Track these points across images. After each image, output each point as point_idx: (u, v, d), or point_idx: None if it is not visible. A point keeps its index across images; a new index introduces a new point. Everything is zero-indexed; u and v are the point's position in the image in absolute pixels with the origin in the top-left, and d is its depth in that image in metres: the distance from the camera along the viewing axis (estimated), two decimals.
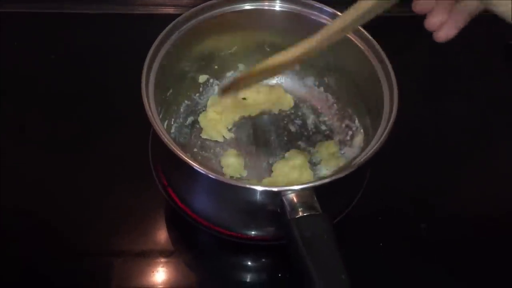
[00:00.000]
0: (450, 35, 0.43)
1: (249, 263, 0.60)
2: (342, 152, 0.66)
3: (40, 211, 0.61)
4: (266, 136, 0.67)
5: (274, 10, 0.63)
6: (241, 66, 0.70)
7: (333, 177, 0.48)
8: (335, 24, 0.46)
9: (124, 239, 0.59)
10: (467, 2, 0.42)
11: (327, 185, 0.48)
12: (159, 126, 0.50)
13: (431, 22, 0.42)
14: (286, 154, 0.64)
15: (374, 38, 0.59)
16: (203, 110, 0.68)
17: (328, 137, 0.67)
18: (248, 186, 0.49)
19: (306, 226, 0.45)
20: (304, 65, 0.70)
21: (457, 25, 0.42)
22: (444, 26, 0.42)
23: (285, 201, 0.47)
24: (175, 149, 0.48)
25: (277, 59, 0.49)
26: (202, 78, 0.69)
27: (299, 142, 0.67)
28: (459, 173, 0.67)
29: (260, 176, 0.63)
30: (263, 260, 0.60)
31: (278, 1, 0.62)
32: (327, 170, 0.64)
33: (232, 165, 0.63)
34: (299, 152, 0.64)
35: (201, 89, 0.69)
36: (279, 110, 0.70)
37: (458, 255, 0.60)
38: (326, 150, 0.65)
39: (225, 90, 0.55)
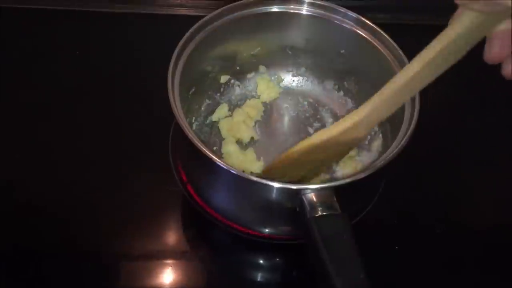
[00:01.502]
0: None
1: (264, 261, 0.60)
2: (360, 156, 0.66)
3: (51, 207, 0.61)
4: (284, 138, 0.68)
5: (298, 13, 0.63)
6: (262, 68, 0.71)
7: (353, 178, 0.49)
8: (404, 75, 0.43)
9: (139, 235, 0.60)
10: None
11: (346, 185, 0.48)
12: (183, 121, 0.51)
13: (510, 71, 0.39)
14: None
15: (396, 44, 0.59)
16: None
17: None
18: (267, 182, 0.49)
19: (326, 225, 0.46)
20: (324, 68, 0.70)
21: None
22: None
23: (304, 199, 0.48)
24: (198, 143, 0.49)
25: (317, 136, 0.49)
26: (224, 78, 0.69)
27: None
28: (476, 178, 0.67)
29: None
30: (278, 259, 0.60)
31: (305, 5, 0.63)
32: (343, 173, 0.64)
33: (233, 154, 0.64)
34: None
35: (222, 89, 0.70)
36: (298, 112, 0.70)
37: (473, 259, 0.60)
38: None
39: (265, 172, 0.57)
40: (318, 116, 0.70)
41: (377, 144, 0.64)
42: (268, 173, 0.58)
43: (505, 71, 0.39)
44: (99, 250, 0.58)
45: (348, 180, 0.49)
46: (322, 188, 0.48)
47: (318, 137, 0.51)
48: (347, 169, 0.64)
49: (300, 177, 0.57)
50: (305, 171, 0.57)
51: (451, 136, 0.71)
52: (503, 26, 0.38)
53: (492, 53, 0.39)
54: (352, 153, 0.65)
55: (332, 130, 0.50)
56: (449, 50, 0.41)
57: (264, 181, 0.48)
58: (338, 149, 0.53)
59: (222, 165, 0.49)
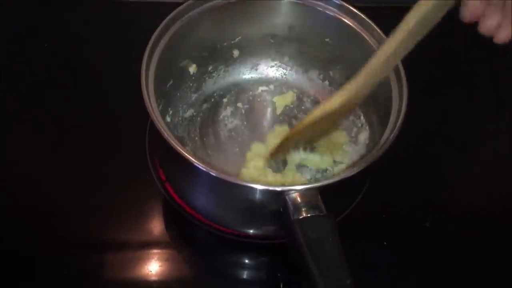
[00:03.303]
0: (510, 35, 0.41)
1: (248, 261, 0.59)
2: (347, 148, 0.64)
3: (33, 203, 0.60)
4: (268, 129, 0.66)
5: (279, 0, 0.61)
6: (236, 52, 0.68)
7: (339, 177, 0.47)
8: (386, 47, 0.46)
9: (118, 234, 0.58)
10: None
11: (332, 185, 0.47)
12: (158, 119, 0.49)
13: (487, 26, 0.41)
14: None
15: (382, 31, 0.57)
16: (203, 103, 0.67)
17: None
18: (249, 184, 0.47)
19: (310, 227, 0.44)
20: (309, 58, 0.68)
21: None
22: (501, 27, 0.41)
23: (288, 200, 0.46)
24: (175, 145, 0.47)
25: (318, 110, 0.49)
26: (204, 69, 0.67)
27: None
28: (464, 171, 0.67)
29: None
30: (262, 259, 0.59)
31: None
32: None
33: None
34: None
35: (202, 81, 0.67)
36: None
37: (462, 253, 0.60)
38: (336, 140, 0.63)
39: (273, 154, 0.58)
40: (303, 107, 0.68)
41: (364, 136, 0.63)
42: (275, 155, 0.59)
43: (482, 28, 0.42)
44: (80, 247, 0.57)
45: (333, 180, 0.47)
46: (306, 189, 0.46)
47: (320, 111, 0.51)
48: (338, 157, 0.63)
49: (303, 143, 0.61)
50: (308, 139, 0.60)
51: (437, 128, 0.70)
52: None
53: (467, 13, 0.41)
54: (345, 139, 0.64)
55: (333, 103, 0.50)
56: (417, 27, 0.44)
57: (246, 183, 0.46)
58: (338, 117, 0.55)
59: (199, 166, 0.46)
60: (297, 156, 0.62)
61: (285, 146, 0.58)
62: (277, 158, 0.61)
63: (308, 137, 0.59)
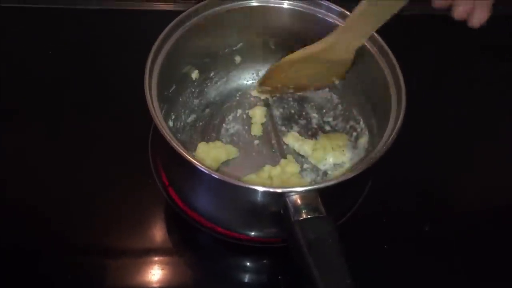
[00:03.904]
0: (483, 18, 0.41)
1: (249, 264, 0.59)
2: (347, 152, 0.64)
3: (36, 207, 0.60)
4: (270, 135, 0.67)
5: (281, 7, 0.62)
6: (238, 59, 0.69)
7: (339, 179, 0.47)
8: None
9: (121, 238, 0.59)
10: None
11: (332, 187, 0.47)
12: (162, 123, 0.49)
13: (460, 12, 0.41)
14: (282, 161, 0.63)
15: (381, 38, 0.58)
16: (205, 108, 0.68)
17: None
18: (250, 186, 0.48)
19: (310, 228, 0.44)
20: None
21: (486, 6, 0.41)
22: (474, 11, 0.41)
23: (288, 202, 0.46)
24: (178, 148, 0.47)
25: (301, 50, 0.54)
26: (206, 75, 0.67)
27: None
28: (463, 174, 0.67)
29: (253, 169, 0.62)
30: (263, 262, 0.59)
31: None
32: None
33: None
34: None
35: (203, 86, 0.68)
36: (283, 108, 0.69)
37: (462, 256, 0.60)
38: (336, 141, 0.64)
39: (262, 83, 0.60)
40: (304, 112, 0.69)
41: (363, 141, 0.63)
42: (264, 83, 0.65)
43: (453, 12, 0.42)
44: (83, 251, 0.57)
45: (333, 182, 0.47)
46: (306, 191, 0.46)
47: (300, 53, 0.58)
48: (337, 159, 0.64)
49: (301, 85, 0.65)
50: (304, 80, 0.64)
51: (436, 131, 0.70)
52: None
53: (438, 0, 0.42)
54: (344, 142, 0.65)
55: (312, 48, 0.57)
56: None
57: (247, 185, 0.47)
58: (331, 67, 0.60)
59: (202, 168, 0.47)
60: (294, 141, 0.64)
61: (272, 78, 0.62)
62: (265, 91, 0.67)
63: (294, 77, 0.62)
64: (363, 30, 0.54)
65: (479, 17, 0.41)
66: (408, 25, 0.70)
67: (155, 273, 0.56)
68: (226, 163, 0.63)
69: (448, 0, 0.42)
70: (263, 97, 0.69)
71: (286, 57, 0.60)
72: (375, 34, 0.58)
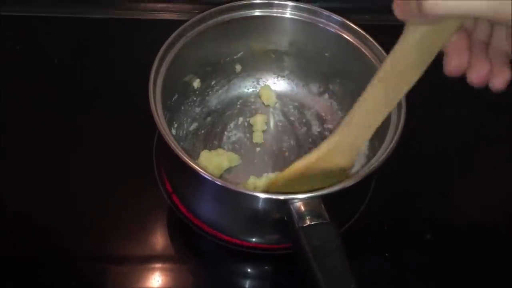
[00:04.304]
0: (506, 79, 0.36)
1: (251, 271, 0.59)
2: None
3: (37, 214, 0.60)
4: (271, 142, 0.67)
5: (282, 17, 0.63)
6: (238, 67, 0.69)
7: (341, 186, 0.48)
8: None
9: (125, 245, 0.59)
10: (499, 43, 0.37)
11: (334, 193, 0.48)
12: (166, 131, 0.50)
13: (479, 77, 0.37)
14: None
15: (380, 45, 0.58)
16: (207, 116, 0.68)
17: None
18: (254, 194, 0.48)
19: (315, 234, 0.45)
20: (309, 71, 0.69)
21: (505, 66, 0.36)
22: (493, 75, 0.36)
23: (292, 209, 0.47)
24: (182, 155, 0.48)
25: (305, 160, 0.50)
26: (207, 84, 0.68)
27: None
28: (464, 183, 0.67)
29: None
30: (266, 268, 0.60)
31: (288, 9, 0.62)
32: None
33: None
34: None
35: (205, 95, 0.69)
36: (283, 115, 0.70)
37: (463, 264, 0.60)
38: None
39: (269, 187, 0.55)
40: (304, 120, 0.69)
41: (363, 147, 0.63)
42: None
43: (470, 79, 0.37)
44: (85, 258, 0.57)
45: (336, 188, 0.48)
46: (309, 197, 0.47)
47: (296, 167, 0.52)
48: None
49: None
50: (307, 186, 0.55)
51: (438, 139, 0.70)
52: (454, 38, 0.38)
53: (450, 67, 0.38)
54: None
55: (308, 159, 0.52)
56: (404, 66, 0.42)
57: (251, 192, 0.47)
58: (331, 171, 0.53)
59: (206, 176, 0.47)
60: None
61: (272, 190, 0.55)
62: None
63: (301, 184, 0.54)
64: (373, 120, 0.49)
65: (501, 80, 0.36)
66: None
67: (158, 279, 0.56)
68: (228, 170, 0.63)
69: (463, 66, 0.37)
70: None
71: (280, 174, 0.54)
72: (373, 41, 0.58)
